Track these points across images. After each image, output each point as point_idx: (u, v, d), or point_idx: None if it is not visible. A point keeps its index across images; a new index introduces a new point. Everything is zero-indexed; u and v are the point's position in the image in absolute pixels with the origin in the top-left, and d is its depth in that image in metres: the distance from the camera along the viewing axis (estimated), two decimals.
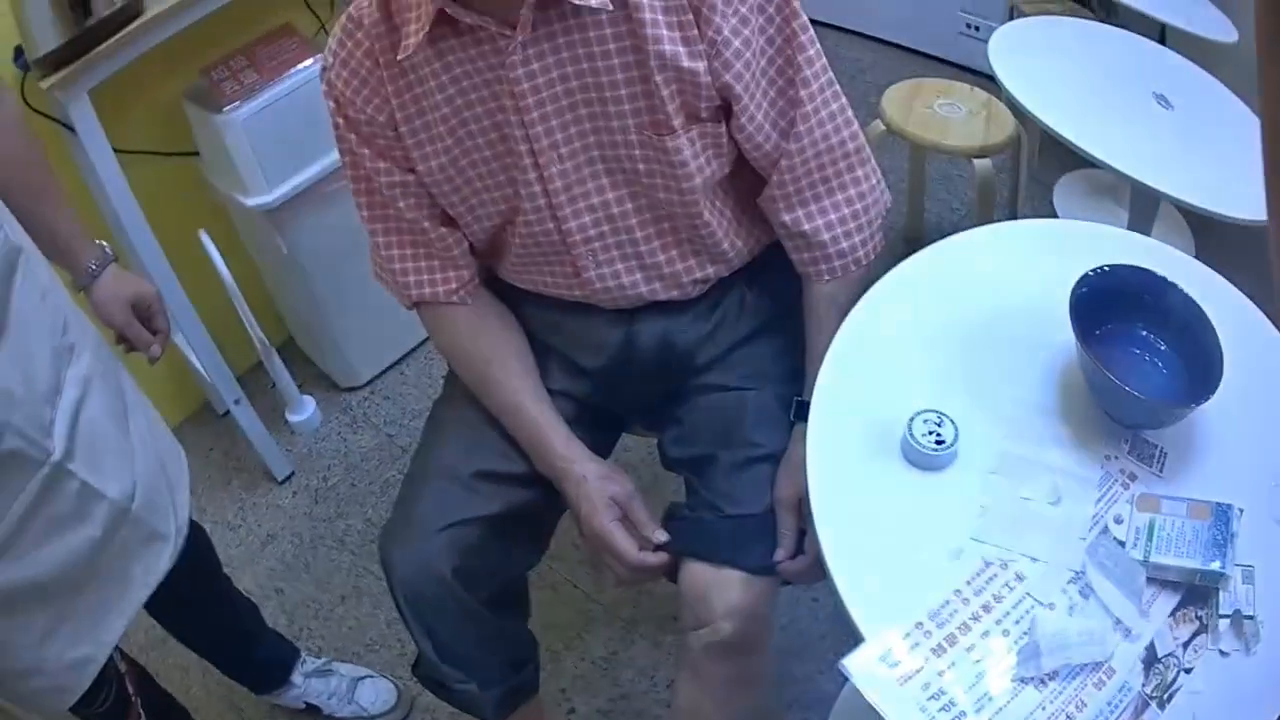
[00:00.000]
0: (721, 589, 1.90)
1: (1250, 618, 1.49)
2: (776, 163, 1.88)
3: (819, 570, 1.83)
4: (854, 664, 1.44)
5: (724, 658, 1.96)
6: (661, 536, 1.97)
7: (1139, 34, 3.75)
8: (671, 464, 2.18)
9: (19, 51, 2.66)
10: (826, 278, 1.96)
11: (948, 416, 1.68)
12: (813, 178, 1.89)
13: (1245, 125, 3.32)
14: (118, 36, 2.60)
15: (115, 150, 2.76)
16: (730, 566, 1.91)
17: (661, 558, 1.97)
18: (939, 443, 1.65)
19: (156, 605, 2.05)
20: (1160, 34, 4.11)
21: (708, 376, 2.13)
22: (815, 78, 1.83)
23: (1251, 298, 1.93)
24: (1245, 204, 2.85)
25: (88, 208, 2.88)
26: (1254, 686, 1.46)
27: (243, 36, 3.08)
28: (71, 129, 2.68)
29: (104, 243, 2.11)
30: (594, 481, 1.98)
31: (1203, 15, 3.86)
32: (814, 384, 1.82)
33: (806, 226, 1.92)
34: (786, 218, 1.93)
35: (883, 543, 1.60)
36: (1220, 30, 3.80)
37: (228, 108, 2.95)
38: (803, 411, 1.91)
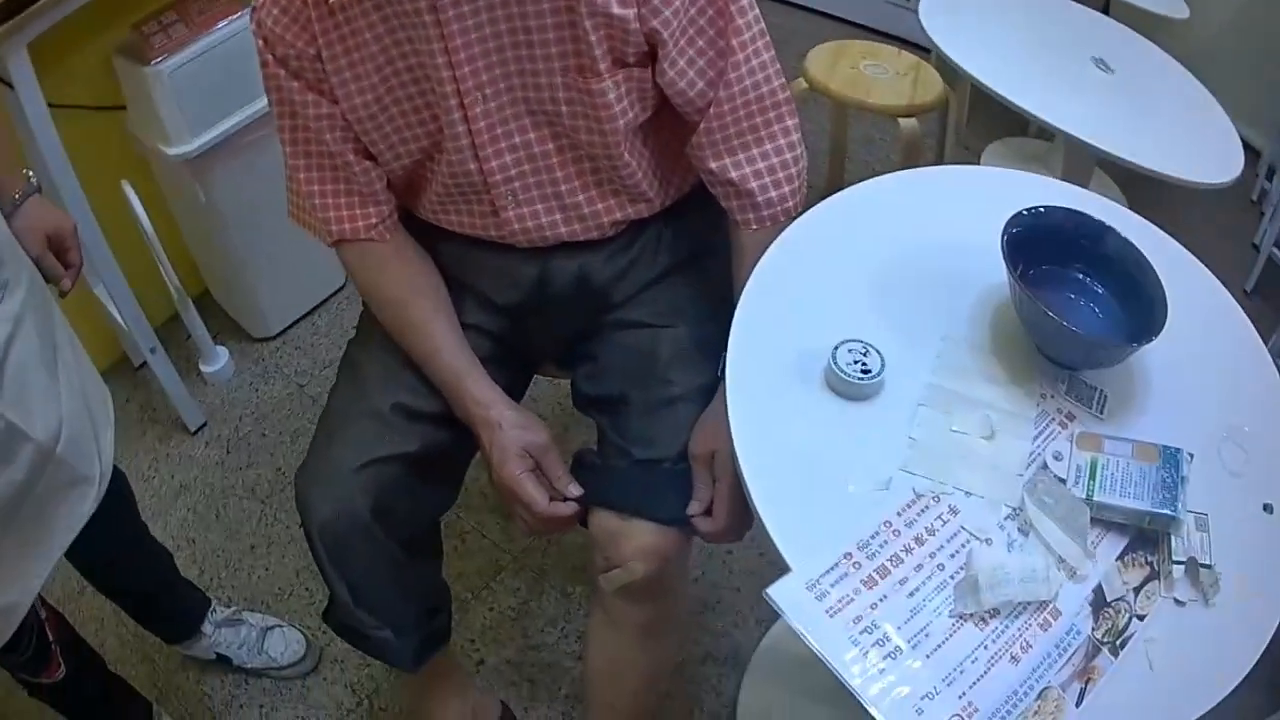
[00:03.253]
0: (632, 534, 1.89)
1: (1207, 567, 1.48)
2: (704, 110, 1.87)
3: (737, 531, 1.85)
4: (780, 592, 1.41)
5: (637, 601, 1.96)
6: (575, 490, 1.95)
7: (1082, 4, 3.76)
8: (584, 403, 2.18)
9: None
10: (754, 226, 1.95)
11: (873, 346, 1.66)
12: (740, 125, 1.89)
13: (1188, 90, 3.34)
14: None
15: (49, 105, 2.75)
16: (640, 517, 1.90)
17: (572, 508, 1.95)
18: (865, 372, 1.63)
19: (74, 550, 2.00)
20: (1104, 6, 4.13)
21: (623, 313, 2.13)
22: (748, 27, 1.83)
23: None
24: (1184, 164, 2.84)
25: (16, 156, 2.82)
26: (1215, 640, 1.45)
27: None
28: (8, 84, 2.66)
29: (30, 172, 2.08)
30: (509, 430, 1.95)
31: None
32: None
33: (734, 174, 1.91)
34: (714, 165, 1.92)
35: (807, 473, 1.57)
36: (1169, 5, 3.81)
37: (155, 61, 2.94)
38: None
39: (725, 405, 1.66)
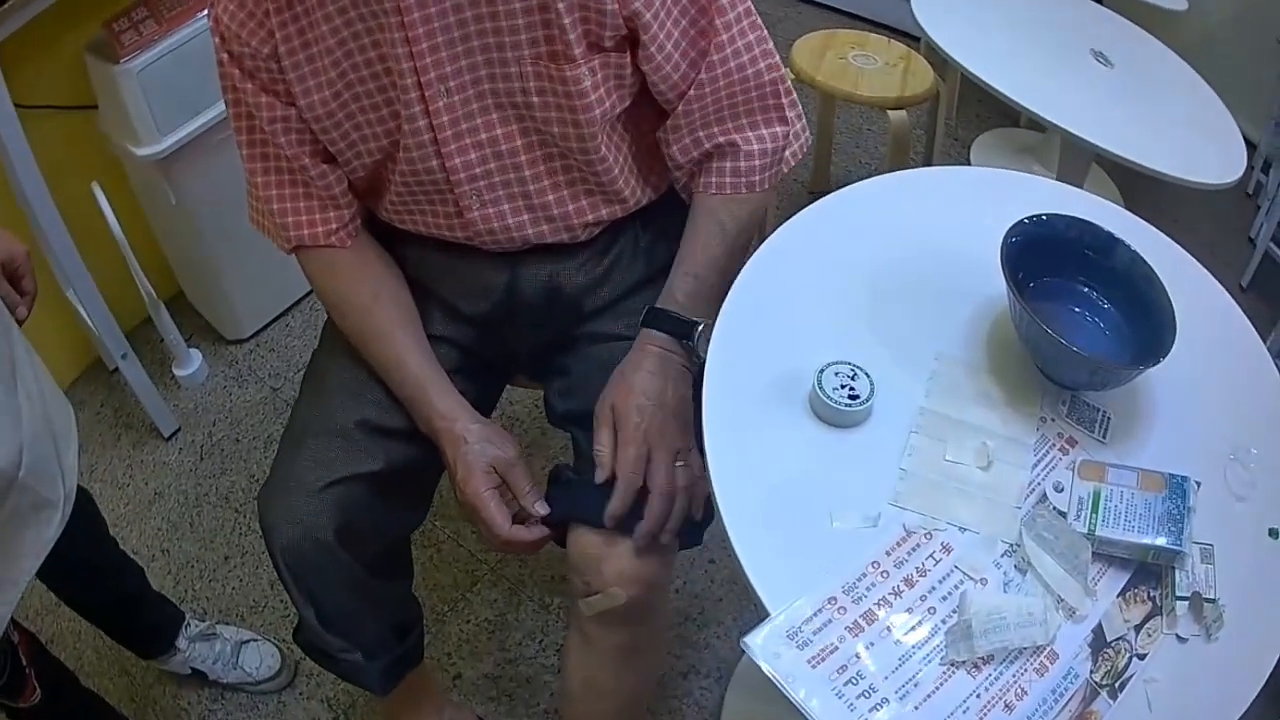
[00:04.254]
0: (613, 556, 1.82)
1: (1211, 601, 1.43)
2: (685, 94, 1.84)
3: (680, 529, 1.79)
4: (758, 642, 1.35)
5: (617, 625, 1.90)
6: (541, 510, 1.87)
7: None
8: (557, 419, 2.14)
9: None
10: (714, 191, 1.91)
11: (862, 369, 1.61)
12: (721, 105, 1.86)
13: (1188, 85, 3.31)
14: None
15: (17, 106, 2.70)
16: (619, 533, 1.82)
17: (540, 531, 1.88)
18: (853, 397, 1.58)
19: (44, 571, 1.96)
20: None
21: (597, 324, 2.08)
22: (732, 6, 1.80)
23: None
24: (1186, 163, 2.80)
25: None
26: (1217, 676, 1.40)
27: None
28: None
29: None
30: (474, 444, 1.89)
31: None
32: (675, 293, 1.86)
33: (708, 145, 1.90)
34: (688, 139, 1.90)
35: (789, 508, 1.52)
36: None
37: (125, 59, 2.92)
38: (656, 319, 1.86)
39: (641, 366, 1.77)
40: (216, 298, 3.67)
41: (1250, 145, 4.13)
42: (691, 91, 1.83)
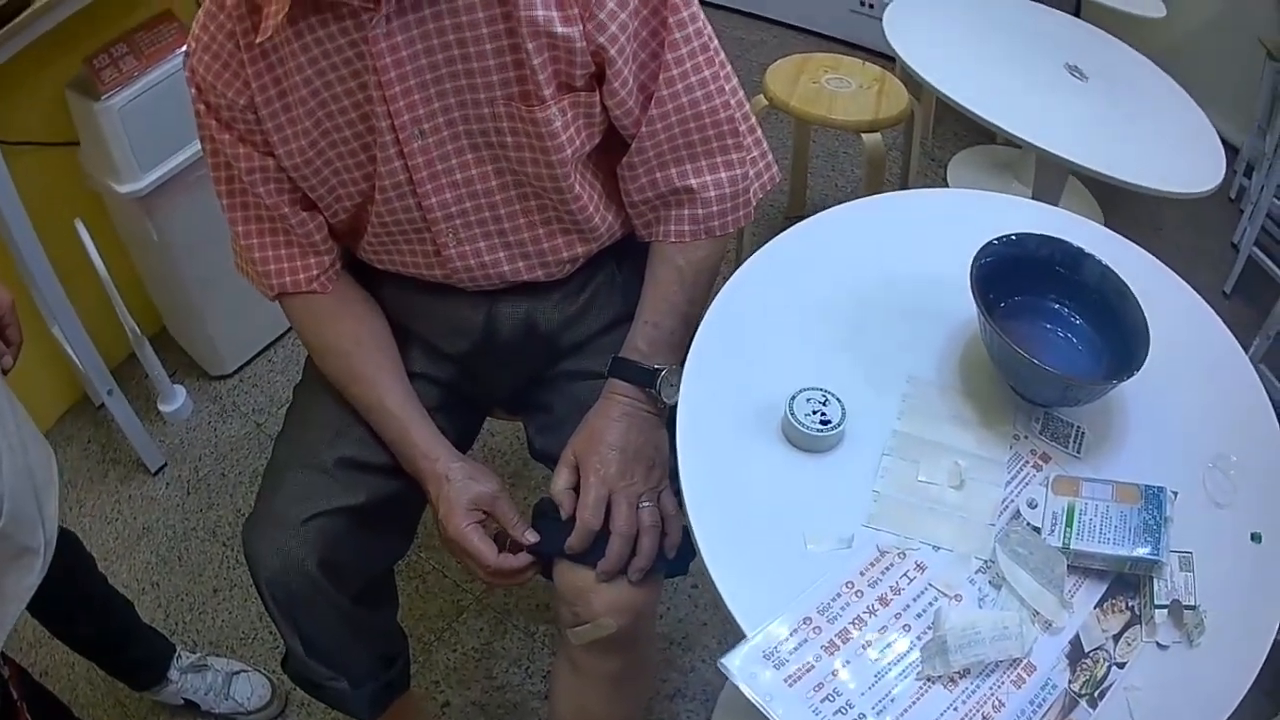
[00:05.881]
0: (602, 587, 1.83)
1: (1192, 608, 1.44)
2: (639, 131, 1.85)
3: (643, 566, 1.81)
4: (736, 663, 1.37)
5: (607, 654, 1.91)
6: (531, 537, 1.89)
7: (1051, 7, 3.74)
8: (537, 454, 2.16)
9: None
10: (673, 240, 1.93)
11: (833, 394, 1.63)
12: (676, 143, 1.86)
13: (1166, 95, 3.32)
14: (8, 25, 2.59)
15: (0, 142, 2.73)
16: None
17: (525, 559, 1.90)
18: (824, 423, 1.59)
19: (33, 606, 1.99)
20: (1075, 8, 4.11)
21: (574, 362, 2.10)
22: (685, 41, 1.79)
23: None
24: (1163, 173, 2.80)
25: None
26: (1200, 681, 1.41)
27: (125, 23, 3.05)
28: None
29: None
30: (457, 482, 1.91)
31: None
32: (637, 342, 1.88)
33: (664, 188, 1.90)
34: (644, 180, 1.91)
35: (764, 532, 1.53)
36: (1145, 4, 3.79)
37: (106, 95, 2.93)
38: (619, 369, 1.89)
39: (607, 415, 1.81)
40: (199, 334, 3.69)
41: (1233, 149, 4.12)
42: (644, 129, 1.84)
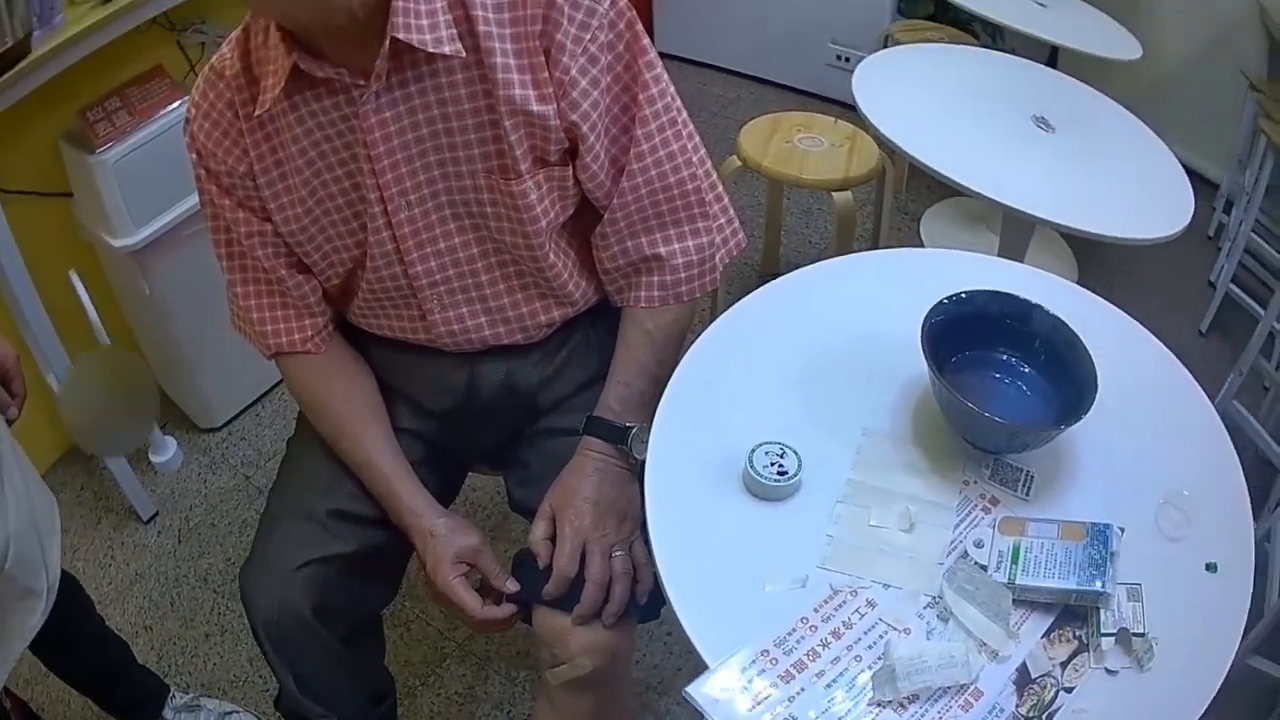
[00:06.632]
0: (579, 631, 1.89)
1: (1140, 635, 1.50)
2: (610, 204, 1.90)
3: (616, 611, 1.88)
4: (700, 692, 1.43)
5: (584, 692, 1.95)
6: (512, 586, 1.95)
7: (1028, 59, 3.74)
8: (517, 506, 2.22)
9: None
10: (643, 305, 1.99)
11: (790, 447, 1.70)
12: (646, 214, 1.92)
13: (1134, 141, 3.30)
14: (5, 76, 2.61)
15: None
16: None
17: (509, 609, 1.96)
18: (781, 473, 1.67)
19: (33, 644, 2.04)
20: (1051, 57, 4.12)
21: (552, 420, 2.17)
22: (655, 117, 1.86)
23: (1137, 318, 1.96)
24: (1128, 221, 2.82)
25: None
26: (1153, 705, 1.45)
27: (118, 75, 3.09)
28: None
29: None
30: (443, 537, 1.97)
31: (1100, 34, 3.86)
32: (609, 401, 1.96)
33: (635, 256, 1.96)
34: (615, 249, 1.97)
35: (725, 575, 1.60)
36: (1121, 48, 3.79)
37: (100, 149, 2.95)
38: (593, 427, 1.96)
39: (582, 470, 1.88)
40: (189, 387, 3.72)
41: (1210, 185, 4.14)
42: (615, 201, 1.90)
